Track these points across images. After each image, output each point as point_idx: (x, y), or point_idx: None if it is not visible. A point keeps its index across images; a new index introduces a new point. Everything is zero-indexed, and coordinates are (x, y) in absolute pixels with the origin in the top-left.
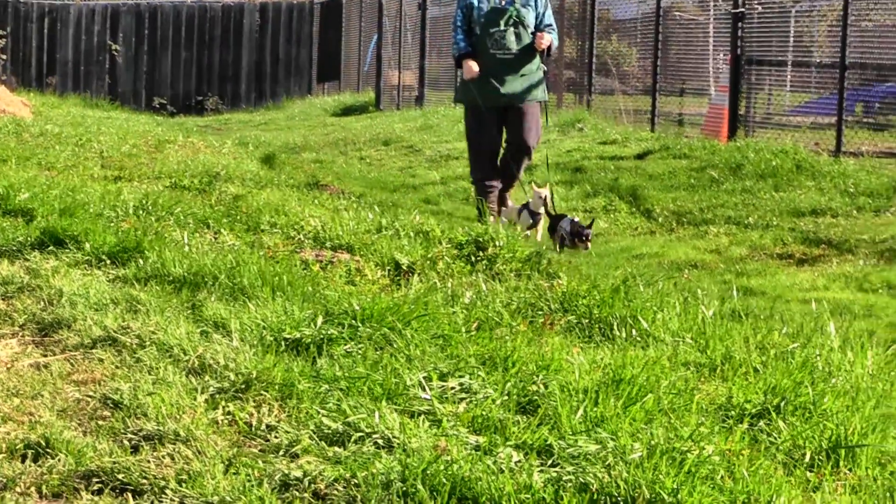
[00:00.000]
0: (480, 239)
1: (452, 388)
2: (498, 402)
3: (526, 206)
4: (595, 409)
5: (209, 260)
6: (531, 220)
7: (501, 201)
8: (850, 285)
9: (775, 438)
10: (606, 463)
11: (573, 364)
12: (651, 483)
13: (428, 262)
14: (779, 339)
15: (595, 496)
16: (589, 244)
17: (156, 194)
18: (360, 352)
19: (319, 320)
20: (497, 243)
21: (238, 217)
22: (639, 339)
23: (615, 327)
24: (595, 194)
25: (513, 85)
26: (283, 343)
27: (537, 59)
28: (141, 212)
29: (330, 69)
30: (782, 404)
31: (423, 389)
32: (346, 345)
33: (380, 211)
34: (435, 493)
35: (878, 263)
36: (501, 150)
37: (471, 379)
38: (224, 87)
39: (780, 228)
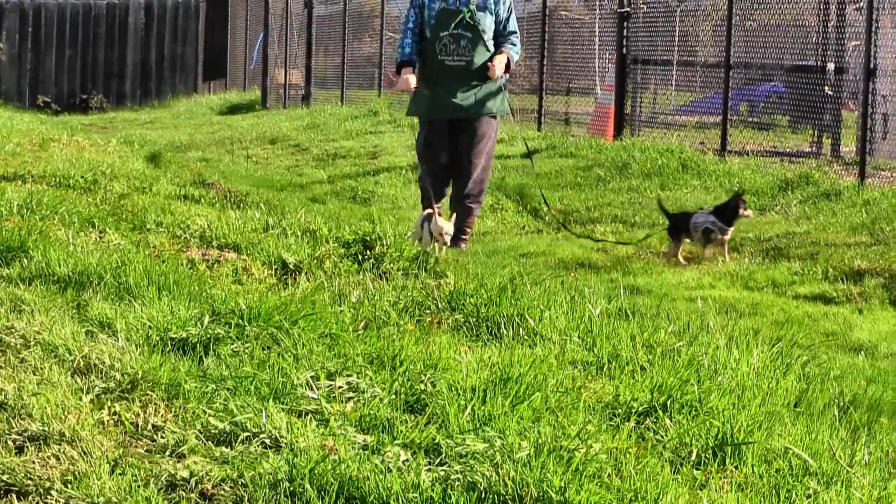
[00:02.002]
0: (368, 238)
1: (340, 387)
2: (385, 401)
3: (428, 218)
4: (483, 407)
5: (94, 259)
6: (429, 237)
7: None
8: (735, 283)
9: (662, 436)
10: (494, 461)
11: (461, 363)
12: (539, 481)
13: (315, 261)
14: (665, 338)
15: (483, 495)
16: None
17: (40, 193)
18: (247, 351)
19: (206, 320)
20: (384, 242)
21: (124, 216)
22: (526, 337)
23: (503, 326)
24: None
25: (463, 97)
26: (169, 343)
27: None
28: (25, 211)
29: (216, 67)
30: (669, 402)
31: (311, 389)
32: (232, 344)
33: (266, 210)
34: (322, 493)
35: (764, 262)
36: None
37: (358, 378)
38: (109, 86)
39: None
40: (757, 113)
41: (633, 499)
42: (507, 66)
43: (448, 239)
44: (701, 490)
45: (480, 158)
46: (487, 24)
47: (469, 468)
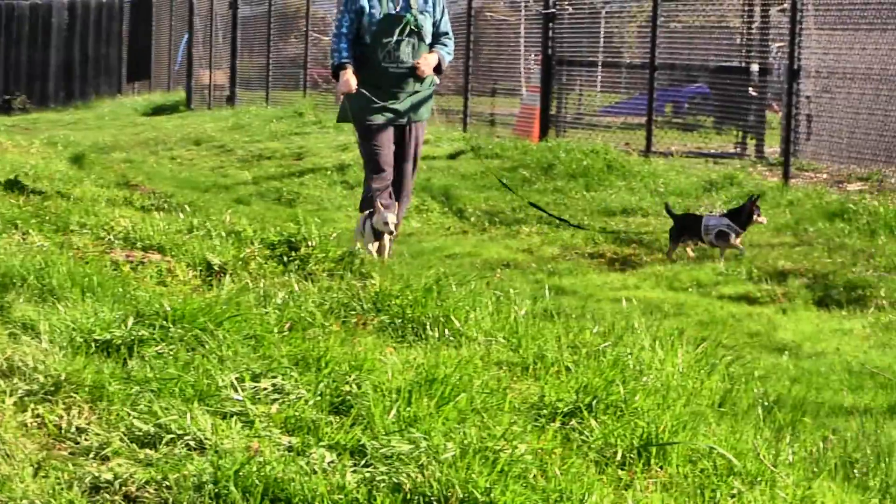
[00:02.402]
0: (293, 239)
1: (265, 388)
2: (311, 402)
3: (369, 216)
4: (408, 408)
5: (17, 261)
6: (372, 235)
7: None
8: (660, 284)
9: (587, 437)
10: (420, 463)
11: (386, 364)
12: (464, 482)
13: (240, 262)
14: (590, 338)
15: (408, 496)
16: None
17: None
18: (171, 353)
19: (130, 321)
20: (310, 243)
21: (47, 217)
22: (452, 338)
23: (428, 327)
24: None
25: (405, 103)
26: (93, 344)
27: (432, 74)
28: None
29: (140, 68)
30: (594, 403)
31: (236, 390)
32: (157, 346)
33: (191, 211)
34: (248, 495)
35: (688, 262)
36: None
37: (283, 379)
38: (32, 86)
39: (591, 228)
40: (682, 114)
41: (559, 499)
42: (439, 67)
43: (395, 230)
44: (626, 490)
45: (416, 164)
46: (428, 27)
47: (394, 469)
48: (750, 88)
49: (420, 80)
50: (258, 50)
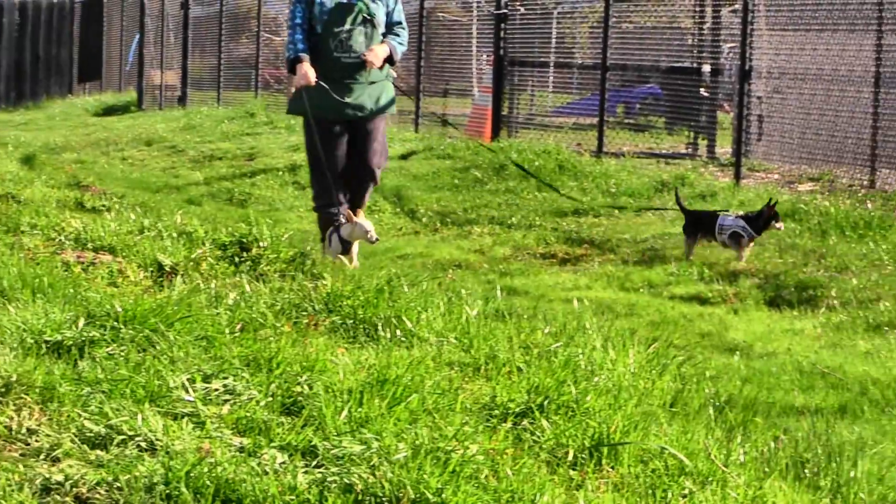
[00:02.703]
0: (244, 240)
1: (216, 389)
2: (262, 403)
3: (337, 229)
4: (360, 409)
5: None
6: (341, 248)
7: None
8: (612, 284)
9: (539, 437)
10: (371, 463)
11: (338, 365)
12: (416, 483)
13: (191, 263)
14: (542, 339)
15: (360, 497)
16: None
17: None
18: (122, 354)
19: (81, 322)
20: (261, 244)
21: None
22: (403, 339)
23: (380, 328)
24: None
25: (360, 95)
26: (44, 345)
27: (386, 65)
28: None
29: (91, 69)
30: (546, 403)
31: (187, 391)
32: (108, 347)
33: (142, 212)
34: (199, 496)
35: (640, 263)
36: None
37: (235, 380)
38: None
39: (543, 228)
40: (633, 114)
41: (510, 500)
42: (391, 58)
43: (375, 237)
44: (577, 490)
45: (382, 158)
46: (381, 16)
47: (346, 470)
48: (701, 89)
49: (373, 70)
50: (210, 50)
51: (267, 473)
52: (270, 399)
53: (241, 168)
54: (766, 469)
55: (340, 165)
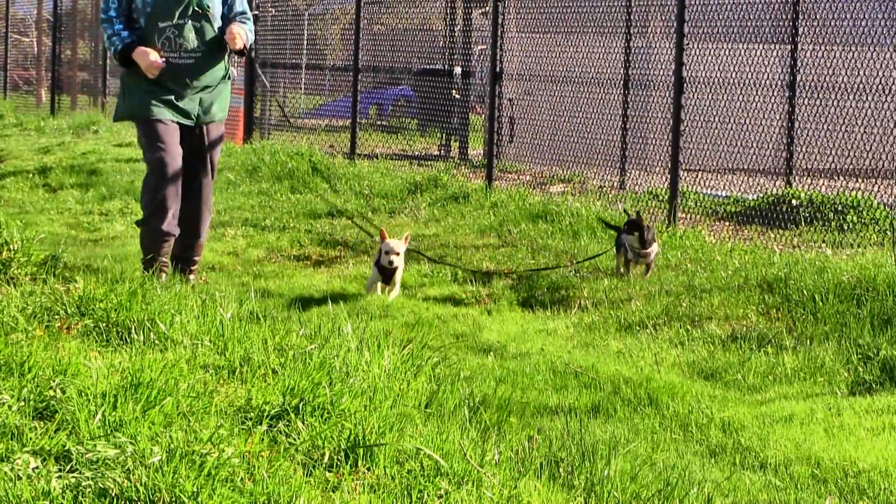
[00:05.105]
0: None
1: None
2: (14, 408)
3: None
4: (114, 413)
5: None
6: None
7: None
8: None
9: (295, 439)
10: (126, 467)
11: (91, 368)
12: (171, 487)
13: None
14: (297, 341)
15: (115, 501)
16: (649, 256)
17: None
18: None
19: None
20: (12, 247)
21: None
22: (157, 342)
23: (133, 331)
24: (111, 197)
25: (192, 99)
26: None
27: (224, 63)
28: None
29: None
30: (301, 405)
31: None
32: None
33: None
34: None
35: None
36: None
37: None
38: None
39: (296, 230)
40: (386, 116)
41: (266, 502)
42: (241, 50)
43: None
44: (334, 492)
45: (214, 171)
46: (217, 9)
47: (101, 475)
48: (453, 91)
49: (213, 69)
50: None
51: (20, 478)
52: (22, 404)
53: None
54: (521, 468)
55: (174, 180)
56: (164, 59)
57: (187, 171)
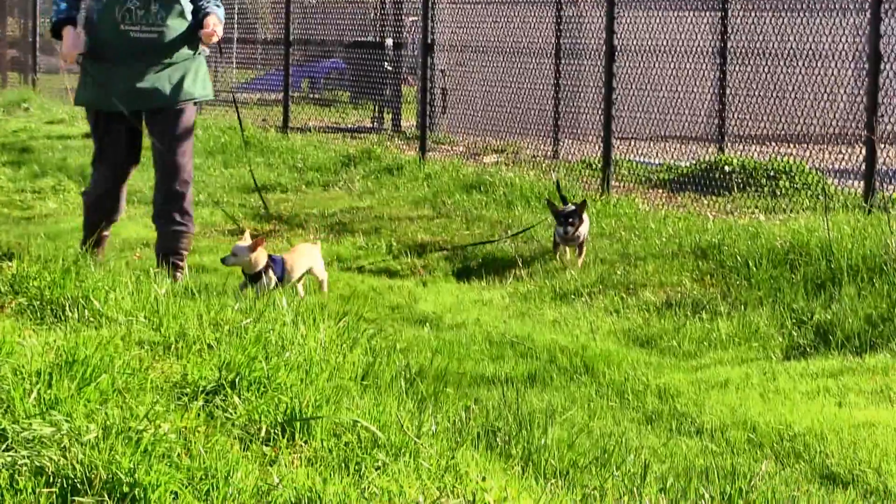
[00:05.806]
0: None
1: None
2: None
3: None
4: (49, 391)
5: None
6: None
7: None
8: None
9: (231, 414)
10: (62, 445)
11: (25, 347)
12: (108, 463)
13: None
14: (232, 315)
15: (51, 479)
16: (577, 239)
17: None
18: None
19: None
20: None
21: None
22: (92, 319)
23: (67, 308)
24: (44, 174)
25: (156, 78)
26: None
27: (191, 38)
28: None
29: None
30: (237, 380)
31: None
32: None
33: None
34: None
35: (329, 237)
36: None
37: None
38: None
39: (230, 205)
40: (318, 89)
41: (204, 477)
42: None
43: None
44: (271, 466)
45: (185, 157)
46: None
47: (37, 453)
48: (385, 63)
49: (178, 45)
50: None
51: None
52: None
53: None
54: (458, 439)
55: (122, 164)
56: (81, 55)
57: (160, 159)
